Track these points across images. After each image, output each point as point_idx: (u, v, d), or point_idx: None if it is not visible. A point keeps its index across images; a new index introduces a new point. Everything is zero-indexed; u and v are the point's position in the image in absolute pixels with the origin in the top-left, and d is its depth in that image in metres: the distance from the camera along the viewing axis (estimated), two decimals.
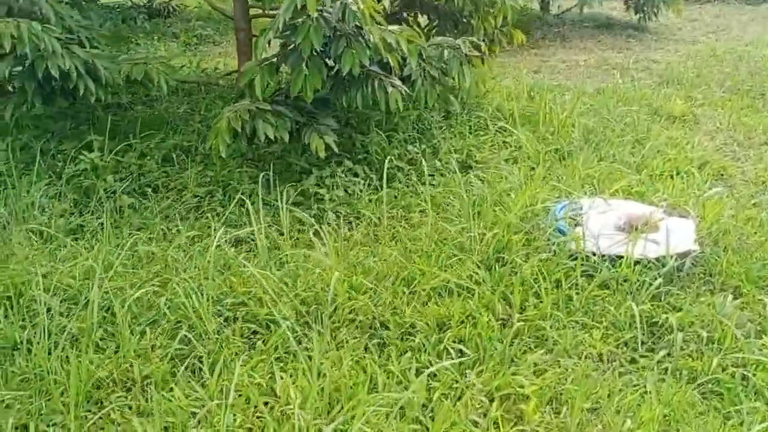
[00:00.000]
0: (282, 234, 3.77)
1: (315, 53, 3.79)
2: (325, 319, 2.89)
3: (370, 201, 4.31)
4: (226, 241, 3.69)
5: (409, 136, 5.23)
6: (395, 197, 4.43)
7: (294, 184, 4.45)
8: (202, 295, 3.04)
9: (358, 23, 3.62)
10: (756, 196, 4.28)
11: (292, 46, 3.86)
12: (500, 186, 4.38)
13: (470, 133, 5.52)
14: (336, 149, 4.26)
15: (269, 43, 4.06)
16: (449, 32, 6.54)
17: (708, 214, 3.76)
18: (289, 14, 3.53)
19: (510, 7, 6.28)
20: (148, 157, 4.76)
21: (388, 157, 4.74)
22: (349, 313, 3.08)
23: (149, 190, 4.39)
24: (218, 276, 3.36)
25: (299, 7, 3.44)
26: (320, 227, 3.91)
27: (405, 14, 6.69)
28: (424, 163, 4.81)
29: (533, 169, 4.77)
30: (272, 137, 4.02)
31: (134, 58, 4.77)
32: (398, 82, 4.26)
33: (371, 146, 4.75)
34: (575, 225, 3.74)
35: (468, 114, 5.91)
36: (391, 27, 3.95)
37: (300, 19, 3.68)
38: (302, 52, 3.71)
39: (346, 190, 4.45)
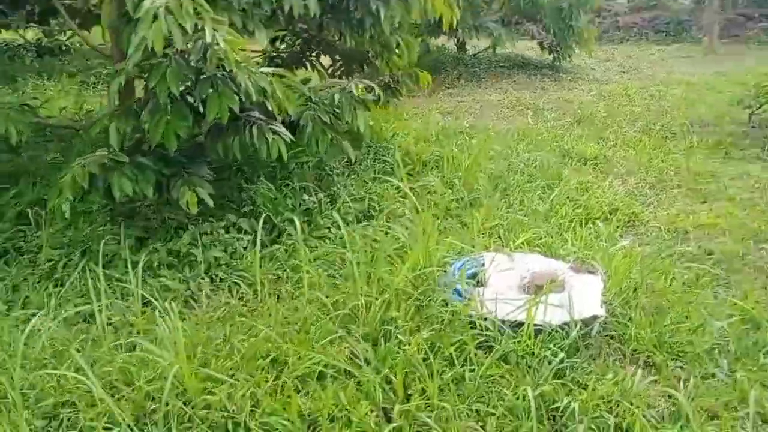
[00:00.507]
0: (148, 303, 3.21)
1: (177, 98, 3.31)
2: (160, 423, 2.35)
3: (252, 262, 3.81)
4: (65, 319, 3.10)
5: (306, 184, 4.78)
6: (283, 254, 3.94)
7: (167, 242, 3.92)
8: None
9: (224, 65, 3.17)
10: (667, 246, 4.03)
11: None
12: (399, 241, 3.98)
13: (374, 179, 5.13)
14: (211, 203, 3.76)
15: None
16: (356, 74, 6.21)
17: (617, 268, 3.45)
18: (138, 55, 3.04)
19: (413, 48, 6.02)
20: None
21: (279, 209, 4.30)
22: (203, 409, 2.54)
23: None
24: (48, 365, 2.76)
25: (150, 47, 2.96)
26: (191, 294, 3.40)
27: (306, 55, 6.31)
28: (319, 215, 4.40)
29: (438, 218, 4.41)
30: (130, 193, 3.49)
31: None
32: (281, 129, 3.82)
33: (258, 197, 4.26)
34: (475, 285, 3.36)
35: (373, 159, 5.54)
36: (264, 69, 3.51)
37: (155, 61, 3.20)
38: (160, 97, 3.22)
39: (226, 249, 3.93)
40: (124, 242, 3.84)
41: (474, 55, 11.58)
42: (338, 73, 6.26)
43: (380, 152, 5.69)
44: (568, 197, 4.81)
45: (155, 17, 2.92)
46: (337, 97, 4.27)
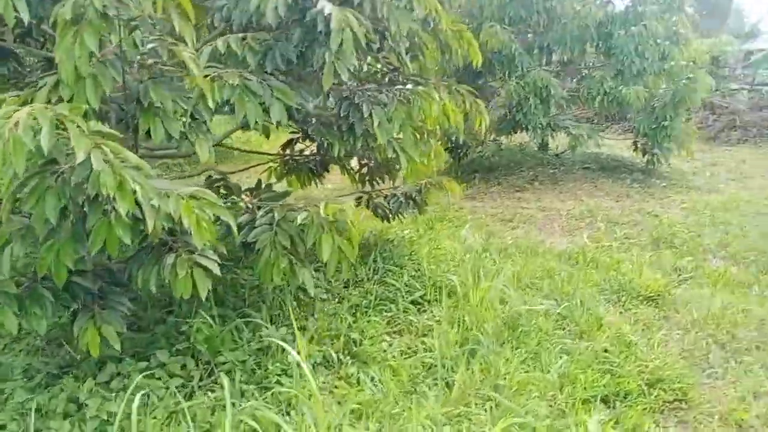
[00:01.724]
0: None
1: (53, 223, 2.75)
2: None
3: (162, 421, 3.09)
4: None
5: (270, 314, 4.08)
6: (203, 413, 3.19)
7: (81, 380, 3.32)
8: None
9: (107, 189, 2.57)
10: None
11: None
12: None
13: (365, 309, 4.32)
14: (117, 346, 3.11)
15: None
16: (381, 179, 5.55)
17: None
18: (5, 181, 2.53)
19: (441, 155, 5.29)
20: None
21: (220, 348, 3.59)
22: None
23: None
24: None
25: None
26: None
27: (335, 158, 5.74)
28: (273, 356, 3.65)
29: (415, 378, 3.50)
30: (14, 331, 2.93)
31: None
32: (211, 257, 3.14)
33: (193, 334, 3.58)
34: None
35: (376, 280, 4.74)
36: (185, 189, 2.89)
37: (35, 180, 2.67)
38: (36, 225, 2.68)
39: (149, 396, 3.25)
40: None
41: (557, 155, 10.59)
42: (367, 178, 5.62)
43: (389, 270, 4.89)
44: (596, 357, 3.71)
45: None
46: (301, 218, 3.57)
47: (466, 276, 4.74)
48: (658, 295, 4.77)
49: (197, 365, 3.53)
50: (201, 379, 3.45)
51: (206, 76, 3.26)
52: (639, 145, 9.85)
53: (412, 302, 4.56)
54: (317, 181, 5.49)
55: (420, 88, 4.11)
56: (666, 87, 9.38)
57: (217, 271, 3.12)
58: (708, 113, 14.21)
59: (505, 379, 3.50)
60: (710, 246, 6.11)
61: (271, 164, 5.52)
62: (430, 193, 5.34)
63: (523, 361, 3.74)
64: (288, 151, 5.39)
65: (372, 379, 3.52)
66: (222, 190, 4.34)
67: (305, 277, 3.55)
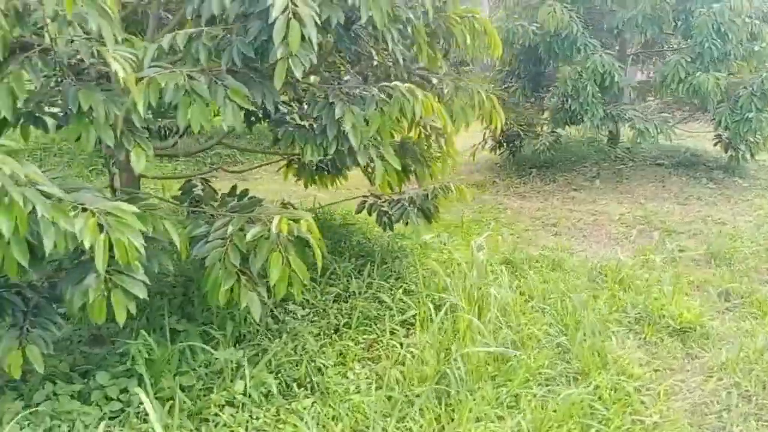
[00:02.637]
0: None
1: None
2: None
3: None
4: None
5: (239, 331, 3.83)
6: None
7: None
8: None
9: None
10: None
11: None
12: None
13: (343, 331, 3.98)
14: (40, 369, 2.95)
15: None
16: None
17: None
18: None
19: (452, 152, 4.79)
20: None
21: (163, 371, 3.38)
22: None
23: None
24: None
25: None
26: None
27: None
28: (222, 383, 3.39)
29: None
30: None
31: None
32: (138, 278, 2.91)
33: (135, 354, 3.37)
34: None
35: (369, 296, 4.38)
36: (101, 204, 2.65)
37: None
38: None
39: (73, 424, 3.09)
40: None
41: (628, 148, 9.65)
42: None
43: (384, 284, 4.52)
44: (583, 407, 3.16)
45: None
46: (251, 234, 3.26)
47: (466, 295, 4.28)
48: (690, 327, 4.09)
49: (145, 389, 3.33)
50: (140, 405, 3.25)
51: (141, 78, 3.00)
52: (722, 139, 8.77)
53: (403, 323, 4.16)
54: (337, 181, 5.16)
55: (405, 85, 3.64)
56: (755, 73, 8.24)
57: (143, 294, 2.89)
58: None
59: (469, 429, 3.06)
60: None
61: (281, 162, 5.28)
62: (440, 199, 4.88)
63: (498, 405, 3.27)
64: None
65: (317, 415, 3.19)
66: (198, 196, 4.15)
67: (251, 301, 3.24)
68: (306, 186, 5.03)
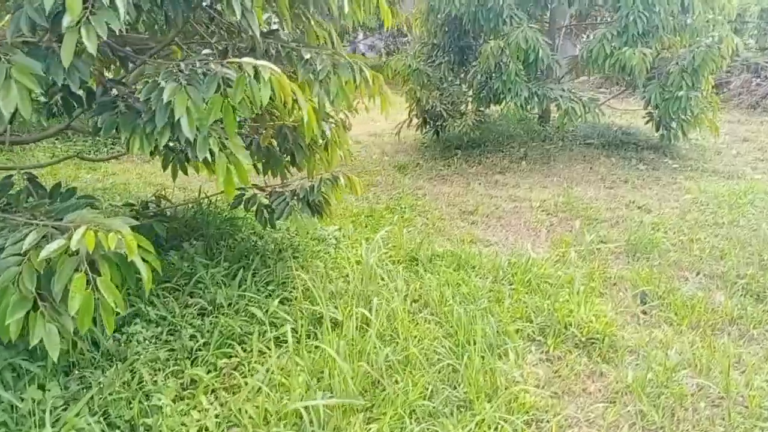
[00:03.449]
0: None
1: None
2: None
3: None
4: None
5: (67, 360, 3.18)
6: None
7: None
8: None
9: None
10: None
11: None
12: None
13: (199, 354, 3.37)
14: None
15: None
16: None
17: None
18: None
19: (342, 140, 4.19)
20: None
21: None
22: None
23: None
24: None
25: None
26: None
27: None
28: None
29: None
30: None
31: None
32: None
33: None
34: None
35: (233, 310, 3.76)
36: None
37: None
38: None
39: None
40: None
41: (557, 128, 9.22)
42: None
43: (260, 293, 3.92)
44: None
45: None
46: (47, 250, 2.57)
47: (348, 304, 3.72)
48: (597, 337, 3.63)
49: None
50: None
51: None
52: (653, 118, 8.41)
53: (276, 340, 3.58)
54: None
55: (260, 62, 2.98)
56: (687, 48, 7.87)
57: None
58: (752, 76, 12.42)
59: None
60: (699, 260, 4.86)
61: None
62: (332, 190, 4.27)
63: None
64: None
65: None
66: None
67: (48, 335, 2.59)
68: (174, 177, 4.35)
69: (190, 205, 5.27)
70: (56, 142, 8.26)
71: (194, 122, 2.86)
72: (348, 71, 3.62)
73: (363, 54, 18.49)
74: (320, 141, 4.16)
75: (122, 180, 6.94)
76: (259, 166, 4.41)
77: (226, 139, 3.01)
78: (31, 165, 5.05)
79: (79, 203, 3.14)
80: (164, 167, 4.17)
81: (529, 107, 7.66)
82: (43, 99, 4.06)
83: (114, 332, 3.40)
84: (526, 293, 4.19)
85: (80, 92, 3.21)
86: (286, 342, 3.52)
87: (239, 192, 4.36)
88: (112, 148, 8.26)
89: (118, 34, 3.56)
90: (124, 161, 8.13)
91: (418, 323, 3.74)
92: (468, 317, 3.71)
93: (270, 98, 2.95)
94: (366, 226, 5.74)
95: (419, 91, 8.18)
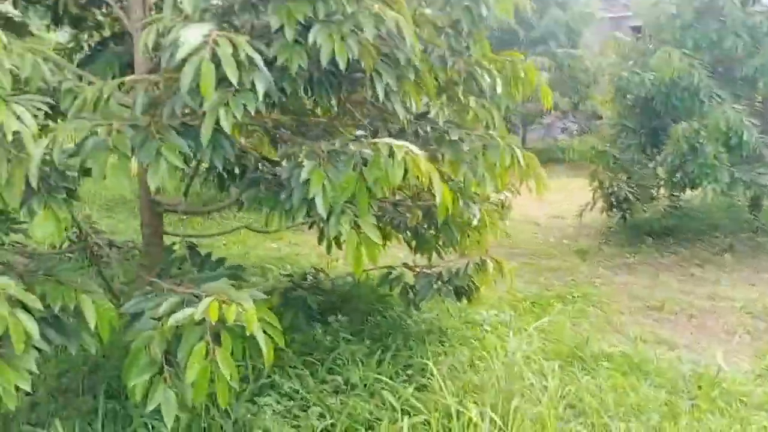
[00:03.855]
0: None
1: None
2: None
3: None
4: None
5: None
6: None
7: None
8: None
9: None
10: None
11: None
12: None
13: None
14: None
15: None
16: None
17: None
18: None
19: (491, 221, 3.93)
20: None
21: None
22: None
23: None
24: None
25: None
26: None
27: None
28: None
29: None
30: None
31: None
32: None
33: None
34: None
35: (367, 392, 3.58)
36: None
37: None
38: None
39: None
40: None
41: None
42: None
43: (394, 376, 3.71)
44: None
45: None
46: (173, 319, 2.64)
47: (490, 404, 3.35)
48: None
49: None
50: None
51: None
52: None
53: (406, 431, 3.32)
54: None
55: (399, 142, 2.91)
56: None
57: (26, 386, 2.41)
58: None
59: None
60: None
61: None
62: (479, 275, 4.01)
63: None
64: None
65: None
66: None
67: (165, 401, 2.60)
68: (328, 250, 4.39)
69: (349, 278, 5.29)
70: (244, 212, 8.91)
71: (329, 200, 2.84)
72: (496, 153, 3.41)
73: (554, 138, 18.08)
74: (474, 222, 3.94)
75: (297, 251, 7.28)
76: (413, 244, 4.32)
77: (358, 217, 2.93)
78: (200, 234, 5.49)
79: (222, 273, 3.25)
80: (319, 242, 4.24)
81: (733, 194, 6.71)
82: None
83: (247, 402, 3.44)
84: (710, 412, 3.46)
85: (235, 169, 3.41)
86: None
87: (387, 270, 4.27)
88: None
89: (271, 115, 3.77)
90: (306, 232, 8.57)
91: None
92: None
93: (406, 177, 2.85)
94: (530, 313, 5.31)
95: (602, 173, 7.62)
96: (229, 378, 2.58)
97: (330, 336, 4.09)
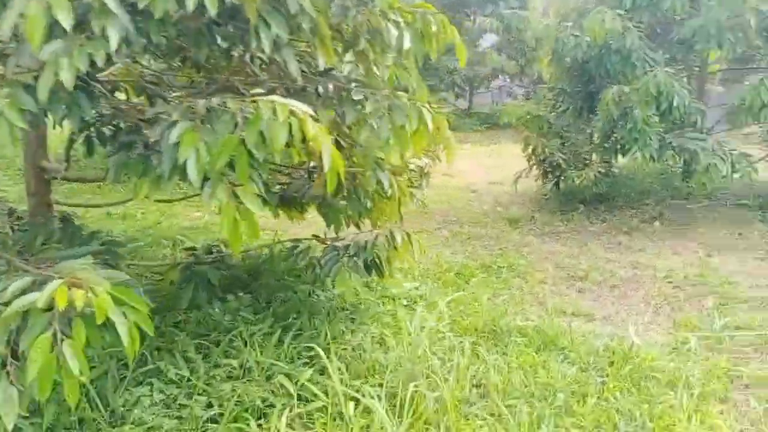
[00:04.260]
0: None
1: None
2: None
3: None
4: None
5: None
6: None
7: None
8: None
9: None
10: None
11: None
12: None
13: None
14: None
15: None
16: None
17: None
18: None
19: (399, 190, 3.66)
20: None
21: None
22: None
23: None
24: None
25: None
26: None
27: None
28: None
29: None
30: None
31: None
32: None
33: None
34: None
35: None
36: None
37: None
38: None
39: None
40: None
41: (704, 183, 7.90)
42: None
43: (291, 359, 3.46)
44: None
45: None
46: (16, 305, 2.31)
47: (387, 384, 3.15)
48: None
49: None
50: None
51: None
52: None
53: (300, 418, 3.09)
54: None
55: (287, 100, 2.60)
56: None
57: None
58: None
59: None
60: None
61: None
62: (391, 249, 3.77)
63: None
64: None
65: None
66: None
67: (5, 400, 2.29)
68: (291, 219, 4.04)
69: (265, 251, 4.97)
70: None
71: (203, 166, 2.51)
72: (404, 115, 3.13)
73: (497, 102, 17.96)
74: (388, 192, 3.67)
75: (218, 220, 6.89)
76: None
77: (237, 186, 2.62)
78: (111, 202, 5.08)
79: (90, 249, 2.90)
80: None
81: (662, 159, 6.64)
82: None
83: (125, 390, 3.14)
84: (620, 391, 3.34)
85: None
86: (312, 420, 3.04)
87: (293, 244, 3.99)
88: None
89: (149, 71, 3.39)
90: None
91: (469, 419, 3.06)
92: (533, 418, 2.98)
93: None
94: (453, 285, 5.13)
95: (534, 138, 7.46)
96: (78, 373, 2.27)
97: (229, 315, 3.81)
